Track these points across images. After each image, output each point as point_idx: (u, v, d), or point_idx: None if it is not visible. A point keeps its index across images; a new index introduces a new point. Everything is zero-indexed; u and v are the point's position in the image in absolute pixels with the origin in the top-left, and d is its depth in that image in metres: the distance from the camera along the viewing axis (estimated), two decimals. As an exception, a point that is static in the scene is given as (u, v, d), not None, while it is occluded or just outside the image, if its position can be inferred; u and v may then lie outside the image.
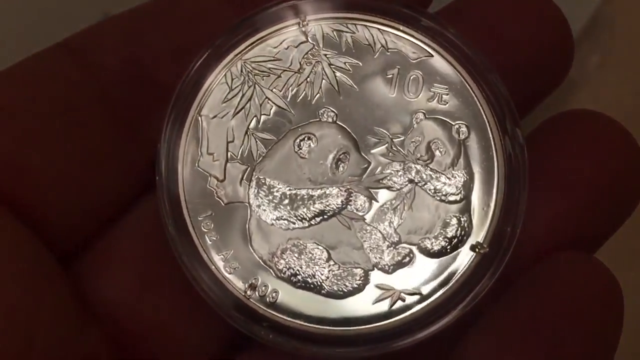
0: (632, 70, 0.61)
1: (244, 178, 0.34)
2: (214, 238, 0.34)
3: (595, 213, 0.34)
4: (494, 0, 0.37)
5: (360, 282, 0.34)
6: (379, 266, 0.34)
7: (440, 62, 0.35)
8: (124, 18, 0.36)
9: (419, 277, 0.34)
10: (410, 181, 0.34)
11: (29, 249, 0.32)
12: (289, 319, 0.34)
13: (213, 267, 0.33)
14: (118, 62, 0.35)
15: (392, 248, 0.34)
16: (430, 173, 0.34)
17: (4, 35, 0.53)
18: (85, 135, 0.34)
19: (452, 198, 0.34)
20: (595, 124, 0.35)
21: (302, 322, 0.33)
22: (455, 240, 0.34)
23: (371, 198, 0.34)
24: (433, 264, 0.34)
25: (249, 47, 0.35)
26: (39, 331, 0.31)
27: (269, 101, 0.34)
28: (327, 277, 0.34)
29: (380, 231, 0.34)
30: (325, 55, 0.35)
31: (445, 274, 0.34)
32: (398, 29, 0.35)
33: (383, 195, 0.34)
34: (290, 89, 0.35)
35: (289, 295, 0.34)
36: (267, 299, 0.33)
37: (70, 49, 0.35)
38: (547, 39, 0.36)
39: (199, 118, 0.34)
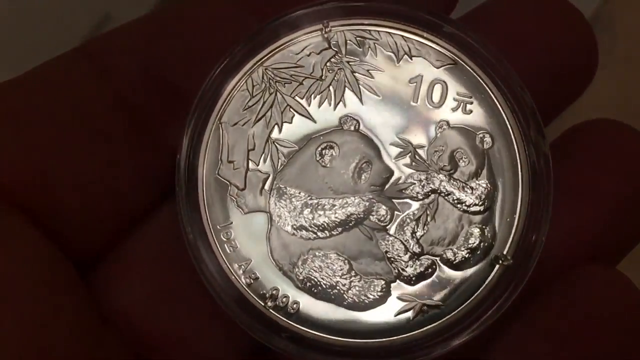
0: (632, 70, 0.61)
1: (265, 187, 0.33)
2: (234, 247, 0.33)
3: (618, 224, 0.34)
4: (516, 6, 0.36)
5: (382, 293, 0.33)
6: (401, 277, 0.33)
7: (464, 70, 0.34)
8: (141, 23, 0.35)
9: (442, 289, 0.33)
10: (433, 191, 0.34)
11: (46, 256, 0.32)
12: (309, 330, 0.33)
13: (233, 276, 0.33)
14: (136, 67, 0.34)
15: (414, 259, 0.33)
16: (454, 183, 0.34)
17: (4, 36, 0.52)
18: (103, 142, 0.33)
19: (475, 209, 0.34)
20: (619, 134, 0.35)
21: (322, 334, 0.33)
22: (479, 251, 0.33)
23: (393, 208, 0.34)
24: (456, 275, 0.33)
25: (270, 54, 0.34)
26: (56, 339, 0.30)
27: (291, 109, 0.34)
28: (349, 288, 0.33)
29: (402, 242, 0.34)
30: (348, 62, 0.34)
31: (469, 286, 0.33)
32: (422, 36, 0.35)
33: (405, 205, 0.34)
34: (312, 96, 0.34)
35: (309, 306, 0.33)
36: (288, 310, 0.33)
37: (88, 54, 0.34)
38: (571, 45, 0.35)
39: (220, 125, 0.34)
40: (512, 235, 0.34)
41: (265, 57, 0.34)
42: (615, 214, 0.34)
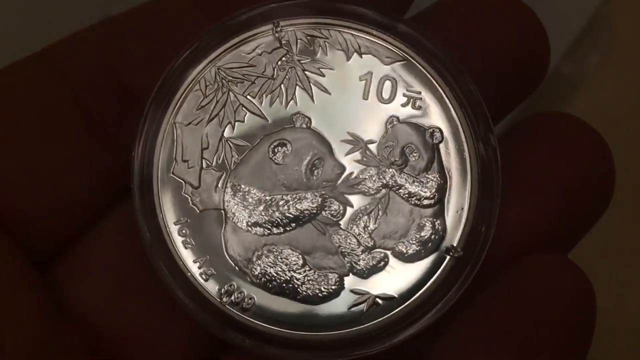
0: (632, 70, 0.62)
1: (219, 184, 0.35)
2: (190, 245, 0.35)
3: (567, 214, 0.35)
4: (469, 5, 0.37)
5: (335, 287, 0.35)
6: (354, 271, 0.35)
7: (413, 67, 0.36)
8: (99, 27, 0.37)
9: (394, 281, 0.35)
10: (385, 186, 0.35)
11: (2, 249, 0.33)
12: (265, 324, 0.35)
13: (189, 273, 0.35)
14: (93, 69, 0.36)
15: (366, 253, 0.35)
16: (405, 177, 0.35)
17: (3, 36, 0.54)
18: (60, 142, 0.35)
19: (426, 202, 0.35)
20: (566, 126, 0.36)
21: (278, 328, 0.35)
22: (430, 244, 0.35)
23: (346, 203, 0.35)
24: (408, 268, 0.35)
25: (223, 54, 0.36)
26: (10, 329, 0.32)
27: (243, 108, 0.35)
28: (303, 283, 0.35)
29: (355, 236, 0.35)
30: (299, 60, 0.36)
31: (420, 277, 0.35)
32: (371, 34, 0.36)
33: (357, 200, 0.35)
34: (264, 95, 0.36)
35: (264, 301, 0.35)
36: (243, 305, 0.34)
37: (46, 57, 0.36)
38: (522, 44, 0.36)
39: (174, 125, 0.35)
40: (462, 227, 0.35)
41: (217, 57, 0.36)
42: (565, 203, 0.35)
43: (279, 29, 0.36)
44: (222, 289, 0.35)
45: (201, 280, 0.35)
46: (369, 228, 0.35)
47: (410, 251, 0.35)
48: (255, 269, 0.35)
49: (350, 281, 0.35)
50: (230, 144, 0.35)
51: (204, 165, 0.35)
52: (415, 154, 0.35)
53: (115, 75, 0.36)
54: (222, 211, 0.35)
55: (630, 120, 0.62)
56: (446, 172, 0.35)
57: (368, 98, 0.36)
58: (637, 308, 0.57)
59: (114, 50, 0.36)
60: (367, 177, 0.35)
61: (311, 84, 0.36)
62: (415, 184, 0.35)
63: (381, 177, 0.35)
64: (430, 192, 0.35)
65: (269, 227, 0.35)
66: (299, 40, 0.36)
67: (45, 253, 0.35)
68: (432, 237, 0.35)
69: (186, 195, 0.35)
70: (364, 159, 0.35)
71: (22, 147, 0.34)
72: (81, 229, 0.36)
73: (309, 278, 0.35)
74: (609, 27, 0.63)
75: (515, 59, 0.37)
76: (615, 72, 0.62)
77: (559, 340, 0.33)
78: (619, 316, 0.57)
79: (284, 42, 0.36)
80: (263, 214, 0.35)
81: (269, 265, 0.35)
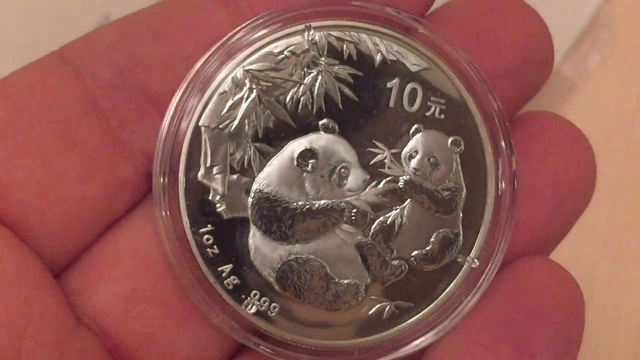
0: (632, 70, 0.62)
1: (245, 191, 0.35)
2: (215, 252, 0.35)
3: (553, 216, 0.36)
4: (474, 8, 0.38)
5: (356, 295, 0.35)
6: (375, 279, 0.36)
7: (438, 75, 0.36)
8: (116, 27, 0.36)
9: (413, 290, 0.36)
10: (406, 195, 0.36)
11: (18, 255, 0.33)
12: (288, 332, 0.35)
13: (213, 281, 0.35)
14: (110, 71, 0.36)
15: (387, 261, 0.36)
16: (426, 187, 0.36)
17: (4, 35, 0.54)
18: (76, 147, 0.35)
19: (445, 212, 0.36)
20: (551, 126, 0.37)
21: (301, 336, 0.35)
22: (447, 253, 0.36)
23: (368, 212, 0.35)
24: (426, 277, 0.36)
25: (251, 55, 0.36)
26: (28, 335, 0.32)
27: (270, 112, 0.35)
28: (325, 291, 0.35)
29: (376, 245, 0.36)
30: (328, 64, 0.35)
31: (438, 287, 0.36)
32: (400, 40, 0.36)
33: (380, 209, 0.36)
34: (292, 99, 0.35)
35: (288, 309, 0.35)
36: (268, 314, 0.35)
37: (63, 58, 0.36)
38: (527, 45, 0.37)
39: (199, 129, 0.35)
40: (479, 238, 0.36)
41: (245, 59, 0.36)
42: (554, 205, 0.36)
43: (311, 32, 0.36)
44: (247, 297, 0.35)
45: (225, 289, 0.35)
46: (390, 237, 0.35)
47: (429, 260, 0.36)
48: (280, 277, 0.35)
49: (370, 290, 0.36)
50: (257, 150, 0.35)
51: (230, 171, 0.35)
52: (437, 163, 0.36)
53: (132, 77, 0.35)
54: (248, 218, 0.35)
55: (630, 120, 0.62)
56: (465, 182, 0.36)
57: (393, 104, 0.36)
58: (637, 308, 0.58)
59: (130, 51, 0.36)
60: (390, 186, 0.36)
61: (339, 89, 0.36)
62: (436, 193, 0.35)
63: (403, 186, 0.35)
64: (450, 202, 0.36)
65: (294, 235, 0.35)
66: (328, 44, 0.36)
67: (62, 259, 0.35)
68: (450, 246, 0.36)
69: (211, 202, 0.35)
70: (387, 167, 0.36)
71: (38, 152, 0.34)
72: (98, 235, 0.36)
73: (331, 286, 0.35)
74: (609, 27, 0.63)
75: (521, 59, 0.37)
76: (615, 72, 0.63)
77: (549, 339, 0.34)
78: (619, 316, 0.57)
79: (313, 45, 0.36)
80: (288, 222, 0.35)
81: (293, 274, 0.35)
